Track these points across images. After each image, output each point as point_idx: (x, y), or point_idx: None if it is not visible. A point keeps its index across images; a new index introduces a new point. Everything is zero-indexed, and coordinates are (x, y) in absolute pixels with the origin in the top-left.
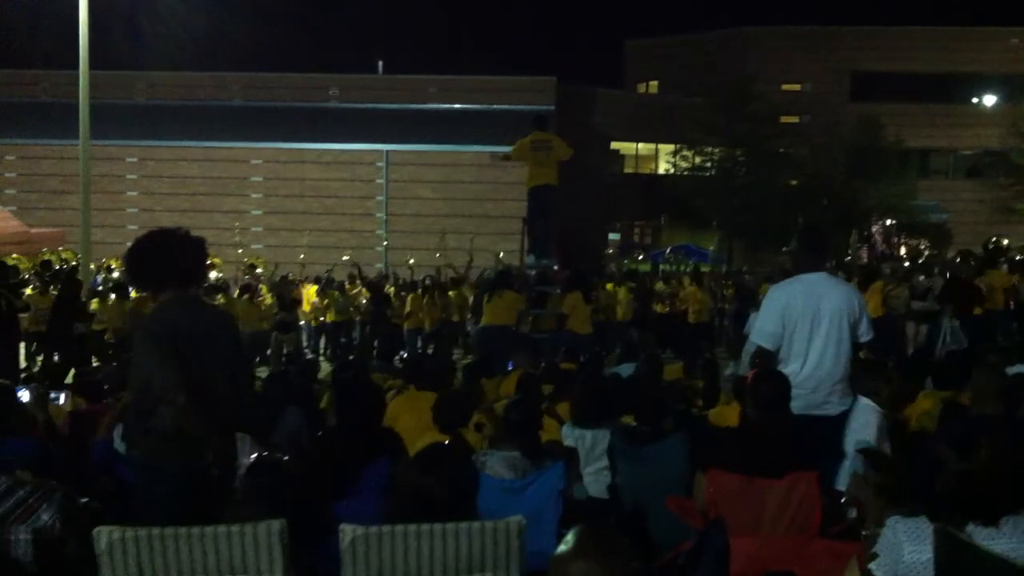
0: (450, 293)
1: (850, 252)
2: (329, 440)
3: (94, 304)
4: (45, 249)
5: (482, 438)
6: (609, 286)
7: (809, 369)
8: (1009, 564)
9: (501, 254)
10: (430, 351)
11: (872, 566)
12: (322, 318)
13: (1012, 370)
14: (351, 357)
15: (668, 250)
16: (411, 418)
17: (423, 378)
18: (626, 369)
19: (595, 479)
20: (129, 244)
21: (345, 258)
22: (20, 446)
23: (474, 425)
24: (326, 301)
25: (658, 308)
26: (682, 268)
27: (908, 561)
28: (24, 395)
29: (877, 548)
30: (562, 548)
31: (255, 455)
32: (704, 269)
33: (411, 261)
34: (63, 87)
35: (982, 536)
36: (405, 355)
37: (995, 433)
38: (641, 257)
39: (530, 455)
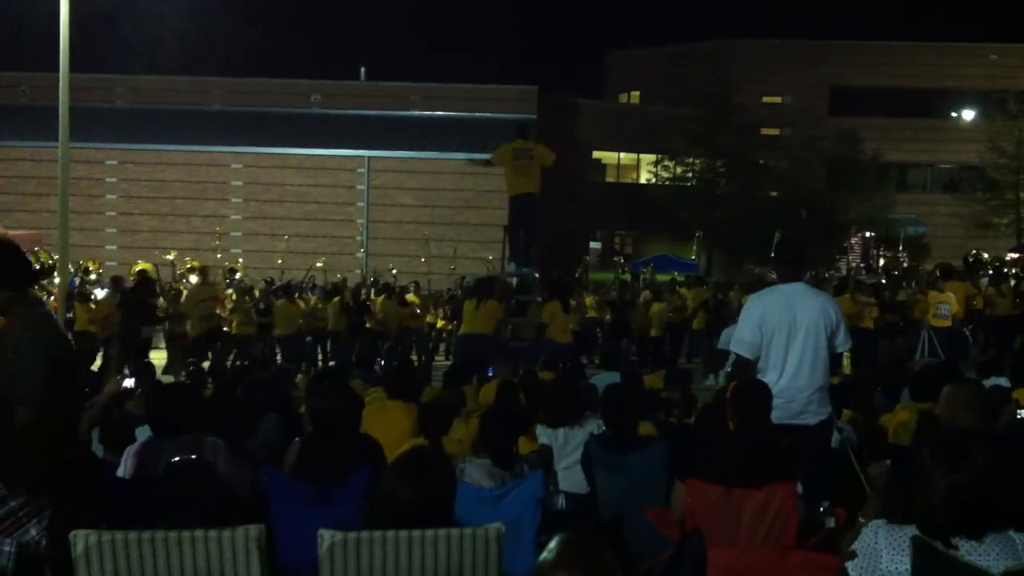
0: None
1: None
2: (307, 447)
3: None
4: (25, 250)
5: (464, 446)
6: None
7: (786, 379)
8: (987, 575)
9: (491, 257)
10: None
11: (848, 565)
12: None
13: (988, 383)
14: (330, 363)
15: (649, 264)
16: (383, 428)
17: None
18: (604, 379)
19: (569, 474)
20: (108, 247)
21: (319, 264)
22: None
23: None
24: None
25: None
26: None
27: (885, 570)
28: None
29: (856, 546)
30: (545, 556)
31: (177, 458)
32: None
33: (394, 271)
34: (43, 89)
35: (967, 550)
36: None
37: (985, 446)
38: (622, 260)
39: (502, 464)
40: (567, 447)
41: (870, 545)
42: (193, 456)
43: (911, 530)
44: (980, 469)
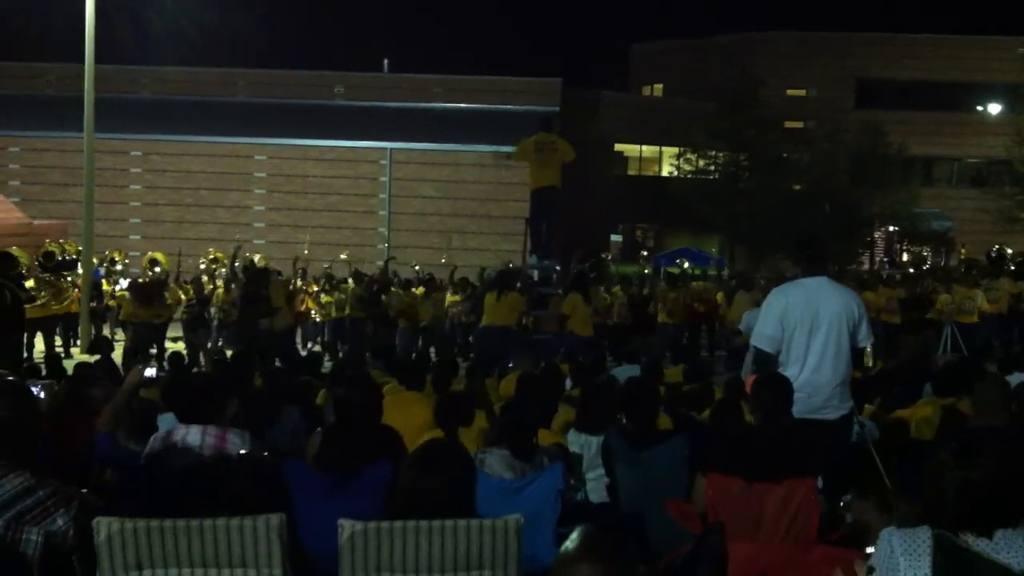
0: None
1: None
2: (329, 438)
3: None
4: (48, 240)
5: (480, 438)
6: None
7: (808, 374)
8: (1008, 570)
9: (511, 263)
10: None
11: None
12: (324, 315)
13: (1013, 379)
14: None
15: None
16: (401, 418)
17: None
18: (624, 372)
19: (599, 484)
20: (132, 237)
21: (343, 256)
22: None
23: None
24: (328, 299)
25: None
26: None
27: None
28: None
29: (873, 561)
30: (567, 548)
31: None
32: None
33: (416, 267)
34: (69, 80)
35: (975, 546)
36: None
37: (1000, 443)
38: (646, 254)
39: (521, 456)
40: (600, 457)
41: (886, 554)
42: (263, 452)
43: (924, 531)
44: (993, 467)
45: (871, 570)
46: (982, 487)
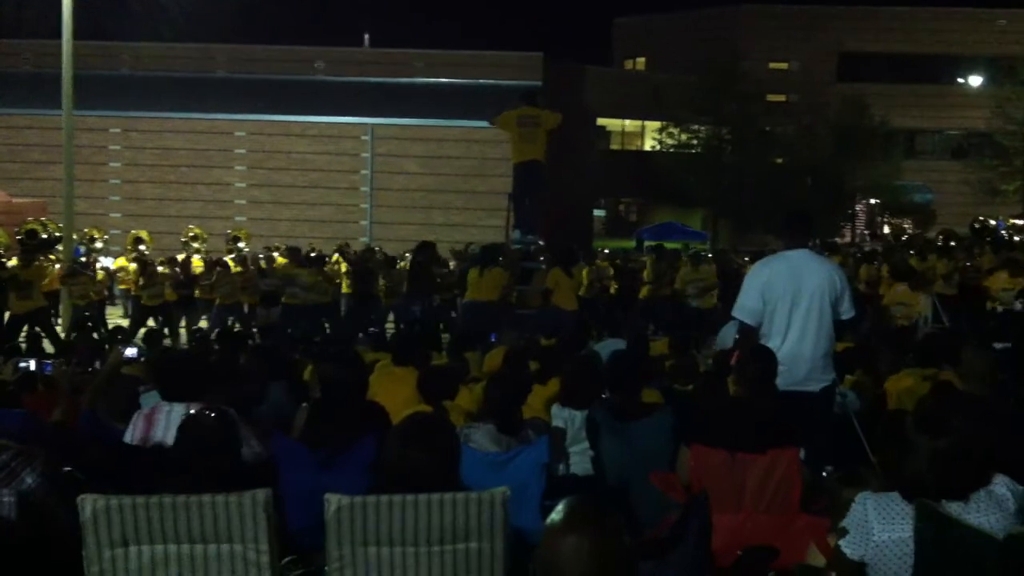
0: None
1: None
2: (315, 414)
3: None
4: (31, 218)
5: (463, 413)
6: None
7: (790, 346)
8: (990, 537)
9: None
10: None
11: (841, 543)
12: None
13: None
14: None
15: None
16: (389, 394)
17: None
18: (609, 346)
19: (582, 459)
20: (112, 215)
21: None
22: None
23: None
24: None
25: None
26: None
27: (878, 540)
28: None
29: (846, 523)
30: (552, 520)
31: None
32: (698, 247)
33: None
34: (47, 57)
35: (952, 511)
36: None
37: (967, 411)
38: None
39: (506, 430)
40: (583, 431)
41: (860, 519)
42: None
43: (896, 496)
44: (959, 434)
45: (844, 531)
46: (950, 454)
